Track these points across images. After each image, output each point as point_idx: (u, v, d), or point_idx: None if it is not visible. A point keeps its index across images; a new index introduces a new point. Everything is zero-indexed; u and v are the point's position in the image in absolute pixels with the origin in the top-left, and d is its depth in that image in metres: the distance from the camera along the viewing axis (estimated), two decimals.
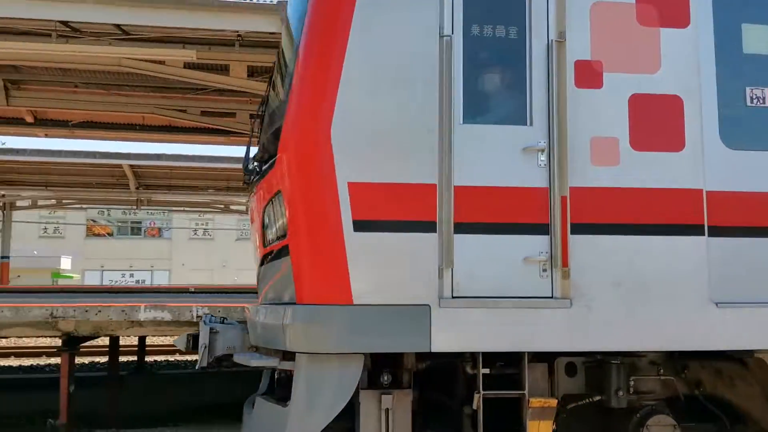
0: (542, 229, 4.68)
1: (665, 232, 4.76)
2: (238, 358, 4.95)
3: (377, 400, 4.68)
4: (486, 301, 4.56)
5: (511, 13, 4.87)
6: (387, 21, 4.68)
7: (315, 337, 4.45)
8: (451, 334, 4.50)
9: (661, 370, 5.16)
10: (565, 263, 4.64)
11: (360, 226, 4.48)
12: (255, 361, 4.85)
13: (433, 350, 4.47)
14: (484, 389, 4.68)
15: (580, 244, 4.68)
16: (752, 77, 5.14)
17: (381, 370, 4.76)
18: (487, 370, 4.79)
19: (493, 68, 4.92)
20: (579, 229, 4.69)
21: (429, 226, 4.55)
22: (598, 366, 5.07)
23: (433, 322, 4.47)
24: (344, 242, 4.45)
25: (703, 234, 4.79)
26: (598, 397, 5.03)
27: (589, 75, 4.82)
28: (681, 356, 5.18)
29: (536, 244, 4.66)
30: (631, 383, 5.04)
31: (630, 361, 5.14)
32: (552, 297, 4.63)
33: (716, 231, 4.82)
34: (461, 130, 4.69)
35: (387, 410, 4.66)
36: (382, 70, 4.64)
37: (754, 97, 5.08)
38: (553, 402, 4.69)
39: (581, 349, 4.68)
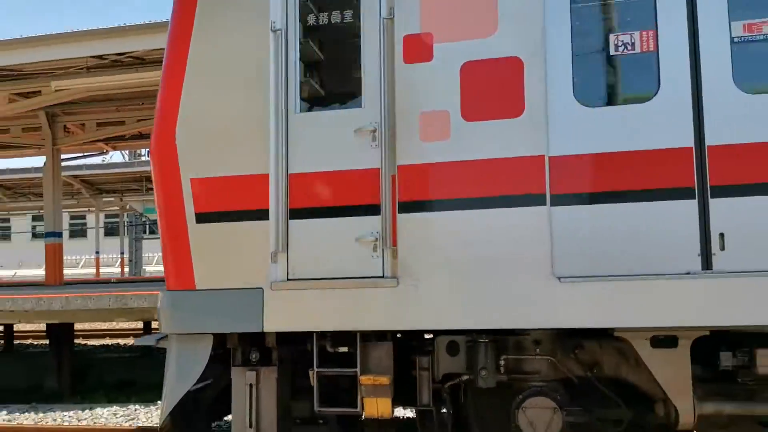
0: (375, 209, 4.70)
1: (501, 204, 4.48)
2: (136, 340, 5.68)
3: (244, 376, 5.11)
4: (316, 283, 4.74)
5: None
6: (223, 24, 5.03)
7: (172, 319, 5.02)
8: (283, 315, 4.76)
9: (538, 350, 4.84)
10: (393, 243, 4.62)
11: (201, 218, 4.93)
12: (138, 341, 5.55)
13: (264, 330, 4.78)
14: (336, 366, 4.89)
15: (408, 222, 4.62)
16: (620, 22, 4.55)
17: (250, 348, 5.17)
18: (346, 349, 4.97)
19: (329, 55, 5.00)
20: (407, 207, 4.63)
21: (262, 214, 4.84)
22: (474, 345, 4.92)
23: (266, 304, 4.77)
24: (188, 233, 4.94)
25: (545, 204, 4.41)
26: (466, 377, 4.89)
27: (418, 49, 4.69)
28: (573, 335, 4.80)
29: (368, 224, 4.70)
30: (502, 362, 4.82)
31: (514, 340, 4.91)
32: (383, 277, 4.65)
33: (561, 200, 4.41)
34: (296, 119, 4.88)
35: (251, 385, 5.07)
36: (219, 70, 5.01)
37: (620, 44, 4.49)
38: (384, 380, 4.69)
39: (408, 327, 4.62)
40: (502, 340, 4.88)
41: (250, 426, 5.04)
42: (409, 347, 5.14)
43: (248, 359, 5.16)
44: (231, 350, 5.19)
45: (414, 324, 4.59)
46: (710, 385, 4.50)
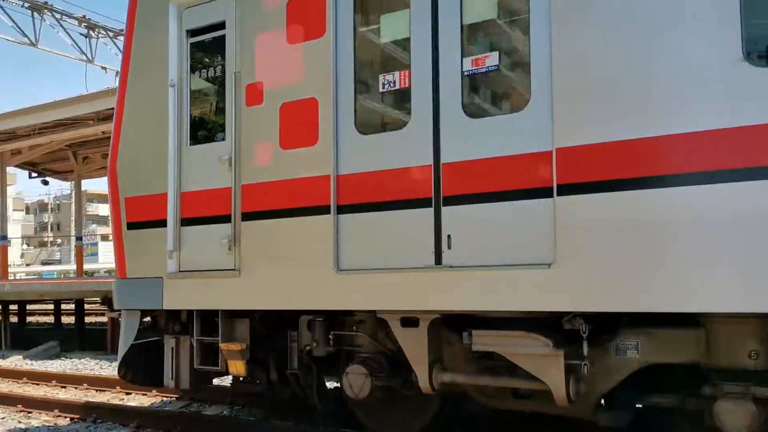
0: (228, 218, 6.23)
1: (302, 213, 5.78)
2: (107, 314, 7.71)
3: (169, 342, 6.92)
4: (196, 274, 6.39)
5: (217, 58, 6.48)
6: (142, 82, 6.84)
7: (116, 299, 6.97)
8: (173, 297, 6.49)
9: (355, 327, 6.05)
10: (238, 243, 6.13)
11: (130, 226, 6.81)
12: (108, 315, 7.55)
13: (164, 308, 6.54)
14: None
15: (246, 228, 6.09)
16: (390, 63, 5.59)
17: (174, 322, 6.96)
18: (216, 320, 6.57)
19: (209, 100, 6.58)
20: (246, 216, 6.10)
21: (162, 223, 6.59)
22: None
23: (165, 289, 6.53)
24: (123, 237, 6.85)
25: (329, 213, 5.63)
26: (308, 347, 6.25)
27: (255, 95, 6.12)
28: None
29: (225, 230, 6.25)
30: (331, 337, 6.11)
31: (345, 319, 6.16)
32: (233, 269, 6.17)
33: (343, 209, 5.60)
34: (187, 151, 6.57)
35: (172, 348, 6.87)
36: (139, 115, 6.83)
37: (386, 82, 5.55)
38: (235, 346, 6.21)
39: (244, 308, 6.09)
40: (336, 319, 6.16)
41: (172, 378, 6.85)
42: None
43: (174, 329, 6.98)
44: (165, 322, 7.03)
45: (248, 305, 6.07)
46: (453, 359, 5.44)
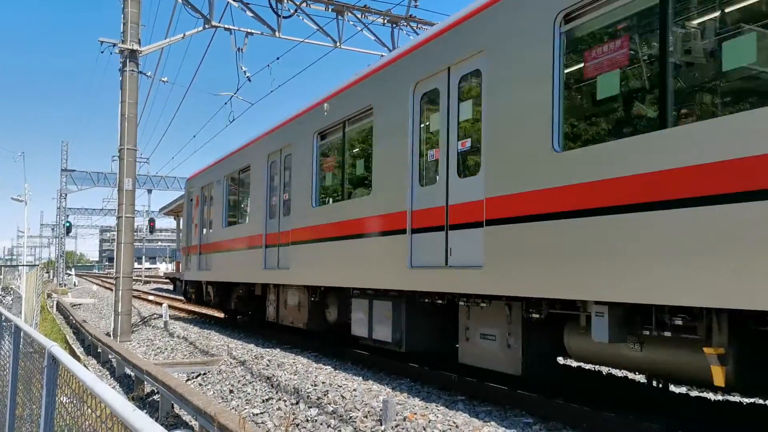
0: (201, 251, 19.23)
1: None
2: None
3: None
4: (188, 270, 19.52)
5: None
6: (187, 210, 19.85)
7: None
8: (186, 275, 19.65)
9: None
10: (208, 262, 19.19)
11: (185, 252, 20.01)
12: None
13: (185, 279, 19.73)
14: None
15: (212, 256, 19.09)
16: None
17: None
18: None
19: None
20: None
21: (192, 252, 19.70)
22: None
23: (184, 272, 19.72)
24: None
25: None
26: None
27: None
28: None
29: (201, 257, 19.28)
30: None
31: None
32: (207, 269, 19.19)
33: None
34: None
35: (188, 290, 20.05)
36: (186, 215, 19.88)
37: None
38: (211, 292, 19.33)
39: (203, 279, 19.13)
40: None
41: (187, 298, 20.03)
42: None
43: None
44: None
45: (207, 279, 19.11)
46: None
